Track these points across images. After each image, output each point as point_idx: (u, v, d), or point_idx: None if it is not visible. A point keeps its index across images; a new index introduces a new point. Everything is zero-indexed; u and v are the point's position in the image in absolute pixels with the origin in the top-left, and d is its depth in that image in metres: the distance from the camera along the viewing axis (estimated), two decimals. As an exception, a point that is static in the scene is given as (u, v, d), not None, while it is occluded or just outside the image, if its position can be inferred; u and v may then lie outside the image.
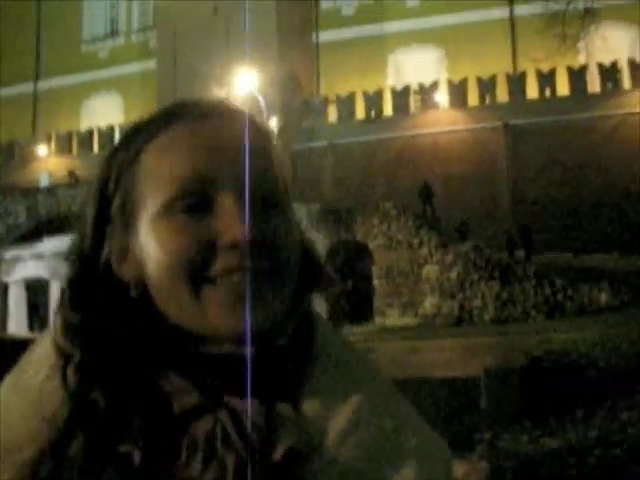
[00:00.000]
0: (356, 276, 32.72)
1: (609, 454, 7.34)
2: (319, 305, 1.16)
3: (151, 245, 1.01)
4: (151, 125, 1.07)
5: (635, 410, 8.82)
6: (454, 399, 11.84)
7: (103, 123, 49.27)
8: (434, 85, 42.67)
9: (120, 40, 54.58)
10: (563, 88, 40.58)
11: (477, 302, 30.19)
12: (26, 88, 56.01)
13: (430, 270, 31.61)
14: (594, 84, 40.43)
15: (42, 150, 49.31)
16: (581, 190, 38.04)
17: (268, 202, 1.04)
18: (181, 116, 1.06)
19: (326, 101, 44.36)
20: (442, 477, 1.09)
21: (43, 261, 35.94)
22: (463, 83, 42.25)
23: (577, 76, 40.44)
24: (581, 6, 21.74)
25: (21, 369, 1.04)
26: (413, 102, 42.93)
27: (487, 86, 42.10)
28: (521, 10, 42.86)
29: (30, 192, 41.92)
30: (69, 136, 49.72)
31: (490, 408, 11.04)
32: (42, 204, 40.49)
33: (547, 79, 40.74)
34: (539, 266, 30.24)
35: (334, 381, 1.06)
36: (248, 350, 0.99)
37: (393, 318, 31.19)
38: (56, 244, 34.50)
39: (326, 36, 48.28)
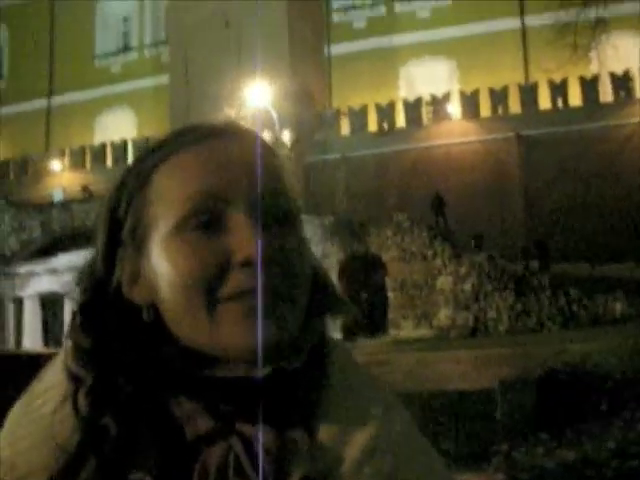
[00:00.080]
0: (370, 288, 32.68)
1: (626, 466, 7.30)
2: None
3: (163, 265, 1.01)
4: (161, 148, 1.07)
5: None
6: (470, 411, 11.80)
7: (116, 138, 49.40)
8: (446, 96, 42.68)
9: (133, 55, 54.76)
10: (575, 98, 40.52)
11: (492, 313, 30.10)
12: (39, 104, 56.22)
13: (444, 281, 31.54)
14: (606, 94, 40.38)
15: (56, 165, 49.45)
16: (595, 200, 37.94)
17: (280, 220, 1.04)
18: (191, 138, 1.06)
19: (339, 114, 44.41)
20: None
21: (57, 276, 36.00)
22: (475, 94, 42.24)
23: (589, 86, 40.39)
24: (592, 16, 21.73)
25: (31, 396, 1.03)
26: (425, 114, 42.92)
27: (499, 97, 42.09)
28: (532, 21, 42.82)
29: (44, 207, 42.03)
30: (82, 151, 49.87)
31: (506, 420, 11.00)
32: (56, 219, 40.59)
33: (559, 89, 40.71)
34: (554, 276, 30.14)
35: (349, 408, 1.04)
36: (259, 363, 0.98)
37: (407, 330, 31.13)
38: (70, 259, 34.56)
39: (338, 49, 48.38)
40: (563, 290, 29.35)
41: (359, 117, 43.85)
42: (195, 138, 1.06)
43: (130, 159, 45.92)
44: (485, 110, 42.04)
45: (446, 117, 42.23)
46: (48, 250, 38.28)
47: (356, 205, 39.61)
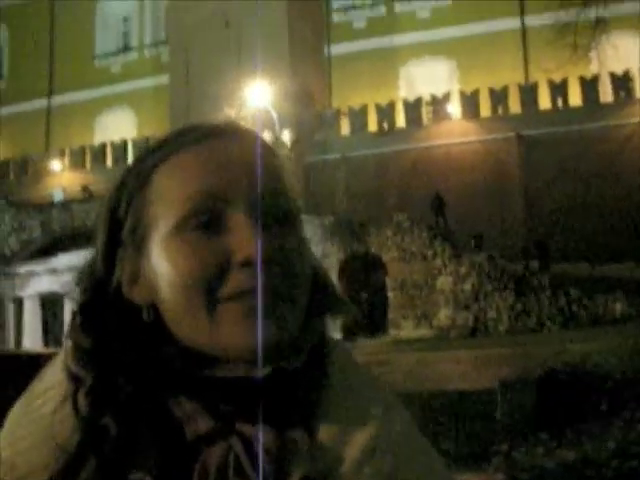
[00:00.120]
0: (370, 288, 32.68)
1: (626, 466, 7.30)
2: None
3: (163, 265, 1.01)
4: (161, 148, 1.07)
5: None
6: (470, 411, 11.80)
7: (116, 138, 49.40)
8: (446, 96, 42.69)
9: (133, 55, 54.76)
10: (575, 98, 40.52)
11: (492, 313, 30.11)
12: (40, 104, 56.23)
13: (444, 281, 31.55)
14: (606, 93, 40.38)
15: (56, 165, 49.46)
16: (595, 200, 37.95)
17: (280, 220, 1.04)
18: (191, 138, 1.06)
19: (339, 114, 44.41)
20: None
21: (57, 276, 36.01)
22: (475, 94, 42.24)
23: (589, 86, 40.40)
24: (592, 16, 21.73)
25: (31, 396, 1.03)
26: (425, 114, 42.91)
27: (499, 97, 42.09)
28: (532, 21, 42.82)
29: (44, 207, 42.05)
30: (82, 151, 49.88)
31: (506, 420, 11.00)
32: (56, 219, 40.60)
33: (559, 89, 40.71)
34: (554, 276, 30.14)
35: (349, 408, 1.04)
36: (259, 363, 0.98)
37: (408, 330, 31.13)
38: (70, 259, 34.57)
39: (338, 49, 48.39)
40: (563, 290, 29.36)
41: (359, 117, 43.85)
42: (195, 138, 1.06)
43: (130, 159, 45.89)
44: (485, 110, 42.05)
45: (446, 117, 42.23)
46: (48, 250, 38.30)
47: (356, 205, 39.61)
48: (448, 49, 45.66)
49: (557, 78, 37.98)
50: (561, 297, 29.29)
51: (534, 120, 40.00)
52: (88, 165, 49.14)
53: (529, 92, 41.57)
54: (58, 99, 55.90)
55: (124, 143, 48.49)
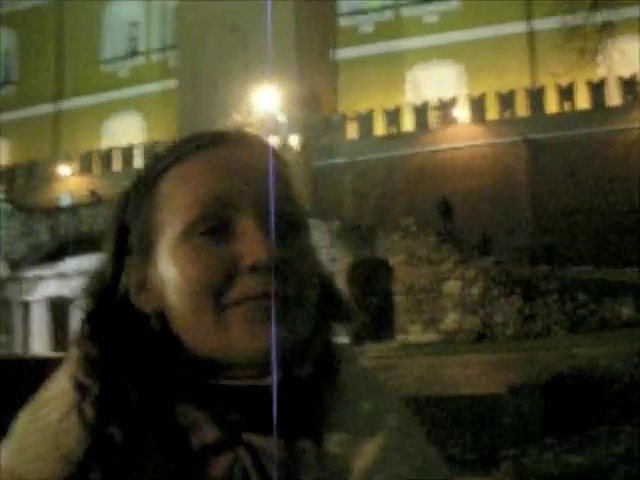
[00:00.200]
0: (377, 293, 32.65)
1: (635, 471, 7.28)
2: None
3: (171, 272, 1.01)
4: (168, 155, 1.07)
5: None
6: (477, 416, 11.78)
7: (124, 142, 49.43)
8: (453, 100, 42.65)
9: (140, 60, 54.81)
10: (582, 102, 40.48)
11: (499, 318, 30.04)
12: (47, 108, 56.33)
13: (451, 286, 31.49)
14: (613, 97, 40.32)
15: (63, 170, 49.52)
16: (602, 203, 37.88)
17: (287, 225, 1.03)
18: (198, 145, 1.06)
19: (346, 118, 44.39)
20: None
21: (65, 280, 36.04)
22: (482, 98, 42.21)
23: (596, 90, 40.34)
24: (599, 20, 21.70)
25: (37, 405, 1.03)
26: (432, 118, 42.89)
27: (507, 101, 42.06)
28: (539, 25, 42.77)
29: (52, 212, 42.10)
30: (90, 155, 49.94)
31: (514, 425, 10.98)
32: (64, 223, 40.64)
33: (566, 93, 40.67)
34: (561, 281, 30.07)
35: (358, 417, 1.03)
36: (273, 369, 0.97)
37: (415, 334, 31.09)
38: (78, 263, 34.62)
39: (345, 53, 48.36)
40: (570, 294, 29.27)
41: (366, 121, 43.83)
42: (202, 145, 1.06)
43: (137, 164, 46.10)
44: (492, 114, 42.02)
45: (453, 121, 42.20)
46: (56, 254, 38.34)
47: (363, 209, 39.60)
48: (455, 53, 45.62)
49: (564, 82, 37.90)
50: (568, 301, 29.21)
51: (541, 124, 39.96)
52: (95, 169, 49.19)
53: (536, 96, 41.53)
54: (66, 104, 55.99)
55: (131, 148, 48.54)
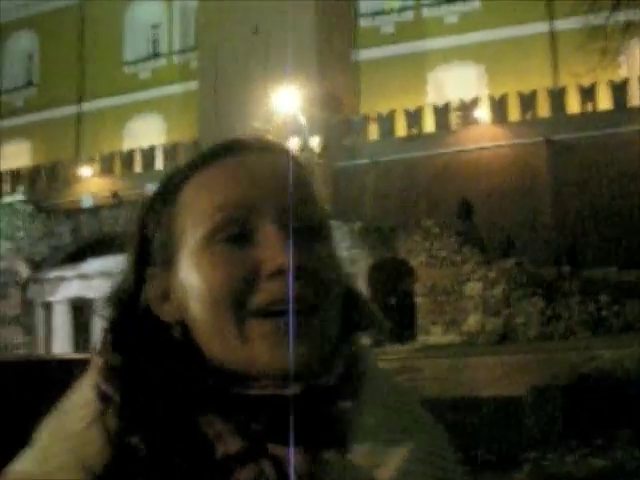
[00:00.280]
0: (399, 294, 32.63)
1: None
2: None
3: (193, 279, 1.00)
4: (189, 164, 1.07)
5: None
6: (499, 417, 11.74)
7: (145, 144, 49.56)
8: (475, 101, 42.54)
9: (161, 61, 54.96)
10: (604, 102, 40.29)
11: (521, 319, 29.96)
12: (70, 110, 56.57)
13: (473, 287, 31.45)
14: (635, 98, 40.11)
15: (85, 171, 49.69)
16: (625, 204, 37.69)
17: (310, 232, 1.03)
18: (219, 153, 1.06)
19: (367, 119, 44.36)
20: None
21: (87, 281, 36.20)
22: (504, 99, 42.09)
23: (618, 90, 40.13)
24: (621, 19, 21.60)
25: (60, 414, 1.02)
26: (454, 119, 42.80)
27: (528, 101, 41.91)
28: (561, 25, 42.60)
29: (74, 213, 42.29)
30: (112, 157, 50.10)
31: (535, 427, 10.93)
32: (85, 225, 40.84)
33: (588, 93, 40.47)
34: (584, 282, 29.96)
35: (383, 428, 1.02)
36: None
37: (437, 336, 31.06)
38: (100, 264, 34.76)
39: (366, 54, 48.33)
40: (593, 296, 29.17)
41: (387, 122, 43.78)
42: (223, 153, 1.05)
43: (158, 165, 46.24)
44: (514, 115, 41.89)
45: (475, 122, 42.08)
46: (77, 256, 38.51)
47: (384, 210, 39.55)
48: (476, 54, 45.52)
49: (586, 82, 37.75)
50: (591, 303, 29.11)
51: (563, 125, 39.79)
52: (117, 171, 49.35)
53: (558, 96, 41.36)
54: (88, 105, 56.22)
55: (153, 149, 48.67)
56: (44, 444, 1.00)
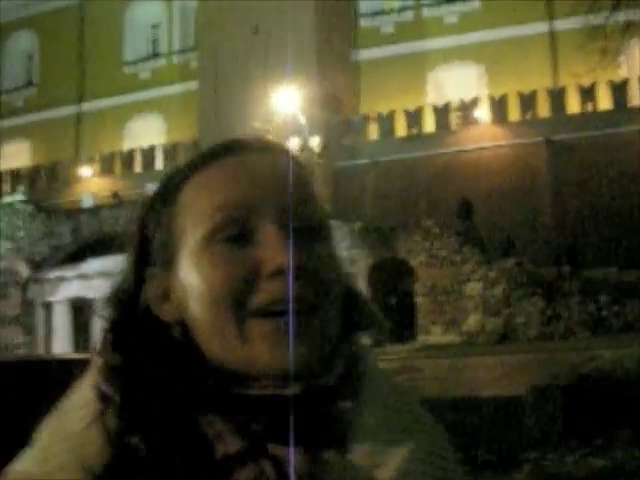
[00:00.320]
0: (399, 294, 32.63)
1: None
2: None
3: (193, 279, 1.00)
4: (189, 164, 1.07)
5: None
6: (499, 417, 11.73)
7: (145, 144, 49.56)
8: (475, 101, 42.53)
9: (161, 62, 54.97)
10: (604, 102, 40.29)
11: (521, 319, 29.96)
12: (70, 110, 56.57)
13: (473, 287, 31.45)
14: (635, 98, 40.10)
15: (85, 171, 49.68)
16: (625, 204, 37.69)
17: (310, 232, 1.02)
18: (218, 153, 1.06)
19: (367, 119, 44.36)
20: None
21: (87, 281, 36.20)
22: (504, 99, 42.09)
23: (618, 90, 40.12)
24: (621, 19, 21.59)
25: (60, 414, 1.02)
26: (454, 119, 42.78)
27: (528, 101, 41.90)
28: (561, 25, 42.60)
29: (74, 213, 42.28)
30: (112, 157, 50.09)
31: (536, 427, 10.92)
32: (85, 225, 40.83)
33: (588, 93, 40.46)
34: (583, 282, 29.97)
35: (384, 428, 1.02)
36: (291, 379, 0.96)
37: (436, 336, 31.06)
38: (100, 264, 34.76)
39: (366, 54, 48.33)
40: (593, 296, 29.17)
41: (387, 122, 43.78)
42: (222, 153, 1.05)
43: (159, 165, 46.25)
44: (514, 115, 41.89)
45: (475, 122, 42.07)
46: (78, 255, 38.50)
47: (384, 210, 39.55)
48: (476, 54, 45.52)
49: (586, 82, 37.75)
50: (591, 303, 29.11)
51: (563, 125, 39.79)
52: (117, 171, 49.34)
53: (558, 96, 41.36)
54: (88, 105, 56.23)
55: (153, 149, 48.67)
56: (44, 444, 1.00)
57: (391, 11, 48.99)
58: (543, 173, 39.91)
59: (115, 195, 43.20)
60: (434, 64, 46.82)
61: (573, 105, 40.91)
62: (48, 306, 38.38)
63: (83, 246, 39.32)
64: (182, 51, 54.01)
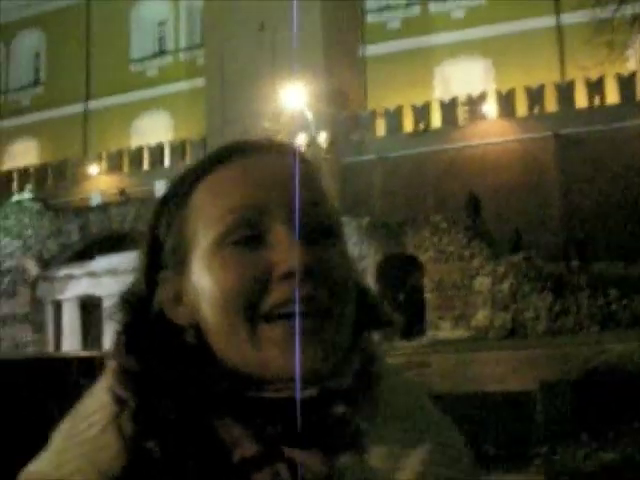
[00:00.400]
0: (407, 289, 32.60)
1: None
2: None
3: (205, 281, 0.99)
4: (199, 167, 1.06)
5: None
6: (509, 412, 11.72)
7: (153, 141, 49.59)
8: (482, 96, 42.46)
9: (168, 59, 55.00)
10: (612, 96, 40.18)
11: (530, 314, 29.90)
12: (77, 108, 56.64)
13: (482, 282, 31.39)
14: (644, 91, 40.01)
15: (93, 169, 49.73)
16: (633, 198, 37.61)
17: (322, 232, 1.02)
18: (229, 155, 1.05)
19: (374, 114, 44.31)
20: None
21: (96, 279, 36.25)
22: (511, 93, 42.00)
23: (626, 83, 40.01)
24: (629, 13, 21.54)
25: (76, 418, 1.02)
26: (461, 114, 42.70)
27: (535, 96, 41.80)
28: (568, 19, 42.52)
29: (82, 211, 42.30)
30: (119, 154, 50.13)
31: (545, 421, 10.91)
32: (94, 222, 40.84)
33: (596, 87, 40.35)
34: (592, 276, 29.89)
35: (400, 430, 1.01)
36: (297, 388, 0.95)
37: (445, 331, 31.02)
38: (108, 262, 34.80)
39: (373, 50, 48.28)
40: (602, 290, 29.11)
41: (394, 118, 43.73)
42: (233, 155, 1.05)
43: (166, 162, 46.29)
44: (521, 109, 41.80)
45: (482, 117, 42.00)
46: (86, 253, 38.54)
47: (392, 206, 39.51)
48: (483, 48, 45.44)
49: (594, 76, 37.67)
50: (600, 297, 29.05)
51: (571, 119, 39.70)
52: (125, 168, 49.38)
53: (565, 91, 41.26)
54: (95, 103, 56.27)
55: (160, 146, 48.72)
56: (60, 447, 1.00)
57: (398, 6, 48.94)
58: (551, 167, 39.84)
59: (122, 192, 43.23)
60: (441, 59, 46.76)
61: (581, 99, 40.81)
62: (57, 304, 38.43)
63: (91, 244, 39.34)
64: (189, 48, 54.03)
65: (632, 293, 28.52)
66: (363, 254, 31.00)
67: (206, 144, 43.47)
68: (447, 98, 43.36)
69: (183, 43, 54.70)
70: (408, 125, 43.53)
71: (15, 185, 50.47)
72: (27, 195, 46.29)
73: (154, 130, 52.11)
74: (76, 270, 37.84)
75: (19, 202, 43.78)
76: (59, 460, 0.98)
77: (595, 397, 10.74)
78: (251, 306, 0.97)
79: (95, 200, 45.19)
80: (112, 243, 36.38)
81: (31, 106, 57.84)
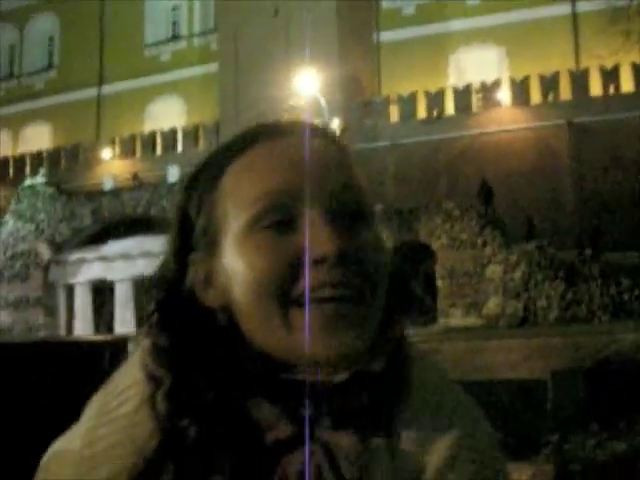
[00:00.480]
0: (419, 277, 32.58)
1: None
2: None
3: (237, 265, 0.99)
4: (230, 148, 1.06)
5: None
6: (520, 401, 11.72)
7: (166, 126, 49.62)
8: (496, 83, 42.34)
9: (182, 44, 54.97)
10: (627, 84, 40.01)
11: (542, 302, 29.86)
12: (90, 93, 56.70)
13: (494, 270, 31.35)
14: (659, 80, 39.82)
15: (106, 153, 49.82)
16: (647, 188, 37.49)
17: (354, 216, 1.01)
18: (259, 137, 1.04)
19: (388, 101, 44.23)
20: None
21: (108, 263, 36.35)
22: (525, 81, 41.85)
23: (642, 72, 39.84)
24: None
25: (109, 394, 1.01)
26: (475, 101, 42.59)
27: (550, 84, 41.65)
28: (583, 6, 42.36)
29: (95, 195, 42.37)
30: (132, 139, 50.19)
31: (556, 410, 10.91)
32: (106, 207, 40.90)
33: (611, 76, 40.17)
34: (605, 265, 29.83)
35: (430, 414, 1.01)
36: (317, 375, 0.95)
37: (457, 319, 30.99)
38: (121, 246, 34.89)
39: (387, 36, 48.14)
40: (614, 279, 29.05)
41: (408, 104, 43.64)
42: (264, 136, 1.04)
43: (179, 147, 46.34)
44: (535, 97, 41.66)
45: (496, 104, 41.88)
46: (98, 237, 38.63)
47: (405, 193, 39.47)
48: (498, 36, 45.28)
49: (609, 64, 37.51)
50: (612, 286, 28.99)
51: (585, 107, 39.56)
52: (138, 153, 49.44)
53: (580, 79, 41.09)
54: (108, 88, 56.32)
55: (174, 131, 48.75)
56: (93, 424, 0.99)
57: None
58: (565, 156, 39.73)
59: (135, 177, 43.27)
60: (455, 46, 46.61)
61: (595, 87, 40.65)
62: (69, 288, 38.54)
63: (104, 228, 39.40)
64: (202, 33, 53.98)
65: (645, 283, 28.46)
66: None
67: (219, 129, 43.51)
68: (461, 85, 43.25)
69: (197, 28, 54.66)
70: (422, 112, 43.44)
71: (28, 169, 50.62)
72: (40, 179, 46.35)
73: (167, 115, 52.16)
74: (88, 254, 37.94)
75: (32, 186, 43.86)
76: (92, 437, 0.98)
77: (606, 386, 10.73)
78: (283, 291, 0.96)
79: (108, 184, 45.23)
80: (125, 228, 36.47)
81: (45, 90, 57.92)
